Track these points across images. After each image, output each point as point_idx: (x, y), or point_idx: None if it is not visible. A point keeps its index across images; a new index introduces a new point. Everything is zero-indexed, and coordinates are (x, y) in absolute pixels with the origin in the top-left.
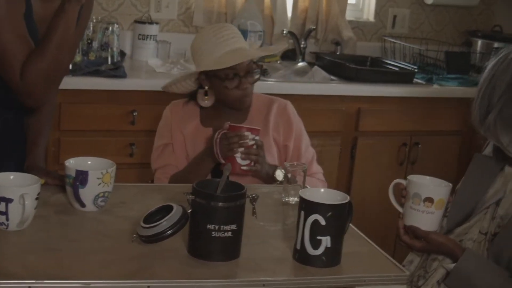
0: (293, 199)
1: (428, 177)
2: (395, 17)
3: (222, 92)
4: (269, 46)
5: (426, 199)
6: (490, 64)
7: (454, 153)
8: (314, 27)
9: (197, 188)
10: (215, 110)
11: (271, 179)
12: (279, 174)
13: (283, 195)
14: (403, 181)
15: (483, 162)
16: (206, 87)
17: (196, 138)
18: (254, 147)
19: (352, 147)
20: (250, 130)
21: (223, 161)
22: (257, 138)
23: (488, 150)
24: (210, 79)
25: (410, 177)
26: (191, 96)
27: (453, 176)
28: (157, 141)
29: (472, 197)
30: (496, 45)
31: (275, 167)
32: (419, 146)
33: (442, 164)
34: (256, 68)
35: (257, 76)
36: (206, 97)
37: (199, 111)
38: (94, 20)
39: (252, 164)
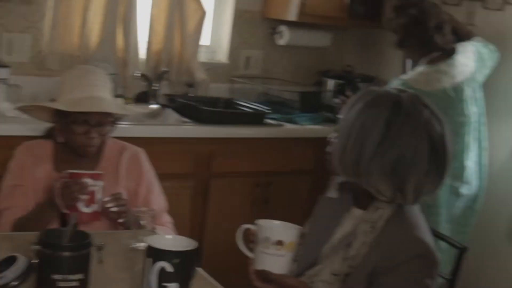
0: (142, 245)
1: (276, 221)
2: (248, 58)
3: (68, 134)
4: (127, 105)
5: (277, 242)
6: (355, 108)
7: (304, 192)
8: (168, 69)
9: (43, 238)
10: (68, 154)
11: (138, 226)
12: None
13: (132, 240)
14: (251, 226)
15: (329, 204)
16: (58, 127)
17: (48, 183)
18: (99, 193)
19: (205, 189)
20: (92, 175)
21: (66, 211)
22: (100, 183)
23: (332, 192)
24: (62, 118)
25: (258, 221)
26: (47, 135)
27: (306, 215)
28: (7, 180)
29: (320, 239)
30: (347, 84)
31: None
32: (272, 186)
33: (295, 203)
34: (111, 123)
35: (108, 129)
36: (59, 133)
37: (51, 155)
38: None
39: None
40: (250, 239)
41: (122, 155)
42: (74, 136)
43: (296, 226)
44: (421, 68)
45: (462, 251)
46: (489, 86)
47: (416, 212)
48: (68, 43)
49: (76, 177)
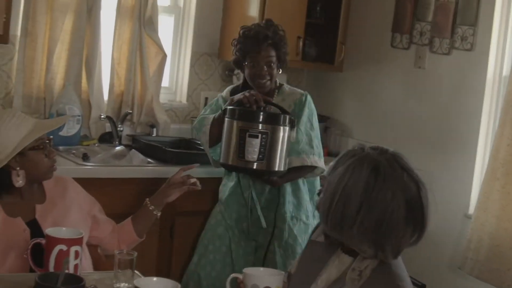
0: (124, 285)
1: (261, 268)
2: (206, 99)
3: (35, 166)
4: (57, 118)
5: None
6: (338, 171)
7: None
8: (130, 111)
9: (39, 281)
10: (15, 198)
11: None
12: None
13: (114, 281)
14: (239, 275)
15: (315, 247)
16: (18, 168)
17: (6, 231)
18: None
19: (171, 227)
20: (67, 241)
21: (38, 271)
22: (78, 248)
23: (319, 236)
24: (21, 158)
25: (245, 270)
26: None
27: None
28: None
29: (305, 281)
30: None
31: None
32: None
33: None
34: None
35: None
36: (18, 177)
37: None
38: None
39: None
40: (239, 287)
41: (62, 184)
42: (42, 163)
43: (281, 272)
44: None
45: None
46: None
47: (400, 263)
48: (34, 86)
49: (52, 242)
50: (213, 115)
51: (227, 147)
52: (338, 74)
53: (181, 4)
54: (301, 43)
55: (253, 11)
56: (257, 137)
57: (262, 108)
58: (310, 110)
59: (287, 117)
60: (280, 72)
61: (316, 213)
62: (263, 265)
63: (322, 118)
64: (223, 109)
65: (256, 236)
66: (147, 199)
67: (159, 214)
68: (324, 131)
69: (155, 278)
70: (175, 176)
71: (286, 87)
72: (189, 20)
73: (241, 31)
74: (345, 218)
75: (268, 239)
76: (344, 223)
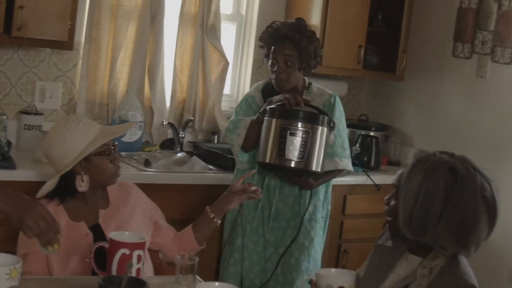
0: None
1: (333, 269)
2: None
3: (99, 171)
4: (122, 124)
5: None
6: (416, 178)
7: None
8: (192, 118)
9: (103, 284)
10: (79, 202)
11: None
12: None
13: (175, 286)
14: (312, 277)
15: (382, 251)
16: (82, 173)
17: (69, 235)
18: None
19: None
20: (131, 245)
21: (100, 275)
22: (140, 252)
23: (385, 240)
24: (86, 163)
25: (317, 271)
26: (57, 194)
27: None
28: (19, 248)
29: (374, 283)
30: (363, 132)
31: None
32: None
33: None
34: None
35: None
36: (82, 182)
37: (63, 208)
38: None
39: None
40: None
41: (125, 190)
42: (107, 168)
43: (352, 272)
44: None
45: None
46: None
47: (466, 262)
48: (97, 92)
49: (116, 245)
50: (250, 117)
51: (266, 145)
52: (399, 83)
53: (243, 12)
54: (362, 52)
55: (315, 19)
56: (298, 135)
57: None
58: (340, 111)
59: (327, 118)
60: (303, 75)
61: (327, 214)
62: (276, 268)
63: (382, 127)
64: (261, 110)
65: (274, 238)
66: (208, 207)
67: (219, 222)
68: (385, 140)
69: (217, 283)
70: (236, 184)
71: (315, 86)
72: (251, 28)
73: (267, 28)
74: (429, 220)
75: (288, 242)
76: (428, 224)
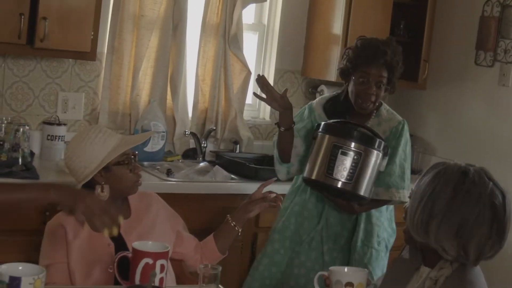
0: None
1: (346, 268)
2: None
3: (119, 181)
4: (142, 133)
5: (347, 284)
6: (427, 177)
7: None
8: (214, 127)
9: None
10: None
11: None
12: None
13: None
14: (325, 273)
15: (401, 263)
16: (103, 183)
17: (91, 245)
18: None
19: (253, 242)
20: (154, 255)
21: (123, 284)
22: (164, 262)
23: (405, 253)
24: (106, 173)
25: (331, 268)
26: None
27: None
28: (42, 261)
29: None
30: None
31: None
32: None
33: None
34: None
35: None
36: (103, 193)
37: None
38: (5, 122)
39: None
40: (325, 283)
41: (146, 199)
42: (127, 177)
43: (363, 269)
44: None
45: None
46: None
47: (477, 273)
48: (120, 102)
49: (139, 254)
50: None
51: (314, 162)
52: (422, 91)
53: (265, 22)
54: None
55: (337, 28)
56: (349, 155)
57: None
58: (406, 139)
59: (383, 143)
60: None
61: (390, 240)
62: None
63: None
64: (316, 125)
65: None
66: (228, 215)
67: (240, 230)
68: None
69: None
70: (256, 192)
71: (384, 109)
72: (273, 38)
73: (358, 41)
74: (432, 215)
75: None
76: (430, 221)
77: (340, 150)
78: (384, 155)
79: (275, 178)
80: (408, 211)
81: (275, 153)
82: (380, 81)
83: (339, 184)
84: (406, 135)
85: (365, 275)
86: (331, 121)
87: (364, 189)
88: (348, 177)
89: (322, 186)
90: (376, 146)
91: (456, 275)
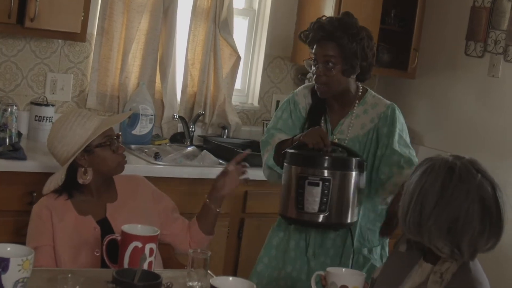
0: (197, 284)
1: (344, 269)
2: (278, 102)
3: (103, 162)
4: (121, 113)
5: (342, 287)
6: (415, 176)
7: None
8: (203, 112)
9: (117, 277)
10: (86, 196)
11: None
12: None
13: (187, 279)
14: (322, 273)
15: (399, 257)
16: (86, 166)
17: (77, 229)
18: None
19: (239, 228)
20: (143, 238)
21: (112, 267)
22: (153, 246)
23: (402, 246)
24: (89, 156)
25: (328, 269)
26: (65, 188)
27: None
28: (28, 243)
29: (389, 287)
30: None
31: None
32: None
33: None
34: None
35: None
36: (85, 175)
37: (70, 202)
38: None
39: None
40: (322, 283)
41: (133, 182)
42: (110, 157)
43: (361, 273)
44: None
45: None
46: None
47: (479, 268)
48: (108, 84)
49: (128, 237)
50: (281, 134)
51: (285, 196)
52: (411, 81)
53: (256, 7)
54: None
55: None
56: (317, 185)
57: (327, 151)
58: (401, 124)
59: (354, 160)
60: (355, 80)
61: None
62: None
63: None
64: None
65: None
66: (206, 195)
67: (219, 210)
68: None
69: (230, 278)
70: (227, 166)
71: (370, 95)
72: (263, 23)
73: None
74: (423, 216)
75: None
76: (422, 221)
77: (307, 181)
78: (361, 171)
79: (249, 151)
80: (399, 213)
81: (268, 156)
82: (326, 60)
83: (319, 218)
84: (399, 119)
85: (362, 279)
86: (294, 150)
87: (349, 215)
88: (321, 208)
89: (299, 223)
90: (348, 168)
91: (461, 273)
